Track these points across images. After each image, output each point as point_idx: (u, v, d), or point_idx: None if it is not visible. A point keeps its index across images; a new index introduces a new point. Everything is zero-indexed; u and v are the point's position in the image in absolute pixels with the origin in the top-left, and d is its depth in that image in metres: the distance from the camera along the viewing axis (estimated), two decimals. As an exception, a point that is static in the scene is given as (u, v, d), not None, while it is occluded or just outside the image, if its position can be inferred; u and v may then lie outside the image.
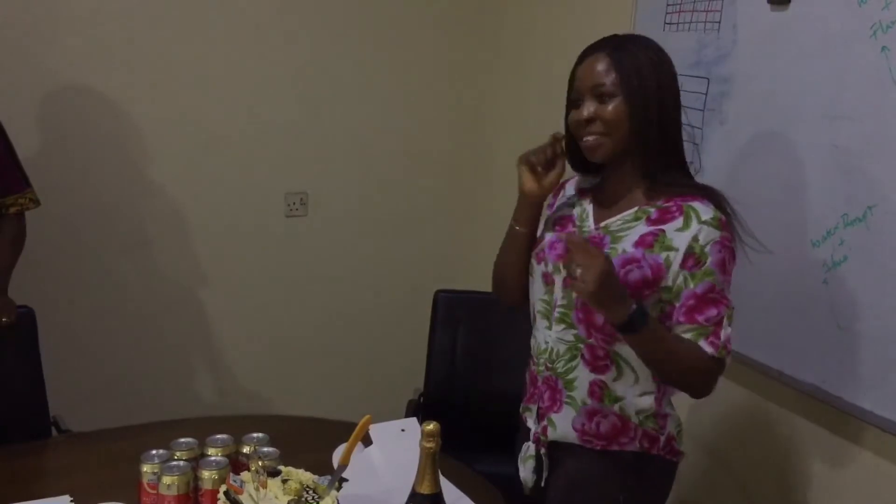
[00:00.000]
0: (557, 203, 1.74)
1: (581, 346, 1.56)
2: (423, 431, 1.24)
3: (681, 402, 1.85)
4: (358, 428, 1.44)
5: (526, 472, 1.68)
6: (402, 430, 1.83)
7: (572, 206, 1.67)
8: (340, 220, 3.16)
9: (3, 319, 2.00)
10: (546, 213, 1.75)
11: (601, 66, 1.50)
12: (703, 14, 2.12)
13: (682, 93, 2.06)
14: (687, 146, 2.13)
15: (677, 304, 1.49)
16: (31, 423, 2.12)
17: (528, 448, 1.68)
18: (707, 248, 1.46)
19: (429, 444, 1.24)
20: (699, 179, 2.11)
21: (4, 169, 2.19)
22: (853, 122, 1.74)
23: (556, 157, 1.61)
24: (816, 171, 1.82)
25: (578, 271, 1.37)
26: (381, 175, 3.21)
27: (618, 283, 1.41)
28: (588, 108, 1.51)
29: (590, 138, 1.52)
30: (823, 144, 1.80)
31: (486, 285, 1.86)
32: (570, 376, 1.58)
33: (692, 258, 1.47)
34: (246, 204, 3.00)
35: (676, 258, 1.47)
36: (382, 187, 3.22)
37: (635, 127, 1.49)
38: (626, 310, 1.40)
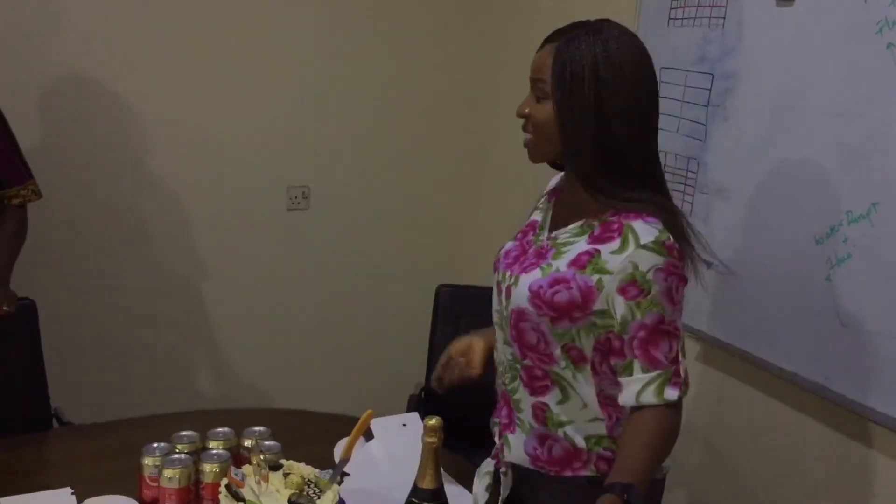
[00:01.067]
0: (535, 207, 1.64)
1: (518, 366, 1.47)
2: (425, 426, 1.24)
3: (684, 404, 1.85)
4: (360, 423, 1.44)
5: (479, 487, 1.58)
6: (404, 425, 1.83)
7: (542, 209, 1.58)
8: (342, 214, 3.16)
9: (4, 309, 1.99)
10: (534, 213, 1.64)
11: (546, 60, 1.38)
12: (707, 9, 2.12)
13: (686, 88, 2.02)
14: (691, 143, 2.15)
15: (625, 337, 1.33)
16: (32, 415, 2.12)
17: (488, 464, 1.60)
18: (649, 276, 1.31)
19: (431, 440, 1.24)
20: (701, 175, 2.13)
21: (6, 160, 2.19)
22: (858, 119, 1.73)
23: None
24: (821, 167, 1.82)
25: None
26: (384, 169, 3.20)
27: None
28: (524, 105, 1.43)
29: (524, 136, 1.44)
30: (828, 141, 1.80)
31: (487, 280, 1.86)
32: (516, 396, 1.49)
33: (634, 286, 1.32)
34: (248, 197, 2.99)
35: (611, 282, 1.33)
36: (384, 181, 3.21)
37: (564, 137, 1.37)
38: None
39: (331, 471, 1.42)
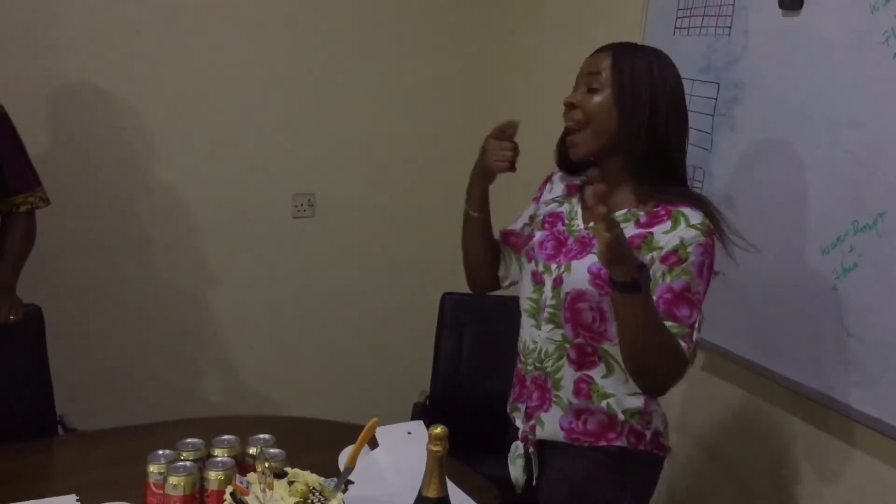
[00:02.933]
0: (544, 198, 1.75)
1: (567, 346, 1.57)
2: (430, 435, 1.24)
3: (685, 407, 1.85)
4: (365, 431, 1.43)
5: (516, 471, 1.69)
6: (409, 434, 1.83)
7: (561, 203, 1.69)
8: (348, 222, 3.16)
9: (11, 317, 2.00)
10: (532, 206, 1.78)
11: (603, 62, 1.53)
12: (713, 18, 2.12)
13: (692, 97, 2.05)
14: (697, 152, 2.15)
15: (654, 297, 1.47)
16: (37, 422, 2.12)
17: (517, 447, 1.69)
18: (690, 248, 1.46)
19: (436, 448, 1.23)
20: (707, 185, 2.13)
21: (15, 167, 2.20)
22: (865, 129, 1.73)
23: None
24: (827, 177, 1.81)
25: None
26: (390, 177, 3.20)
27: (626, 245, 1.36)
28: (576, 94, 1.55)
29: (569, 123, 1.56)
30: (835, 151, 1.79)
31: (493, 289, 1.86)
32: (558, 375, 1.59)
33: (674, 255, 1.47)
34: (254, 204, 3.00)
35: (660, 255, 1.47)
36: (390, 189, 3.22)
37: (622, 125, 1.50)
38: (633, 271, 1.36)
39: (335, 479, 1.41)
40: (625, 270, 1.36)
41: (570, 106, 1.55)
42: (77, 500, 1.53)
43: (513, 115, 1.68)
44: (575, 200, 1.66)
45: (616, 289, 1.39)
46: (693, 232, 1.47)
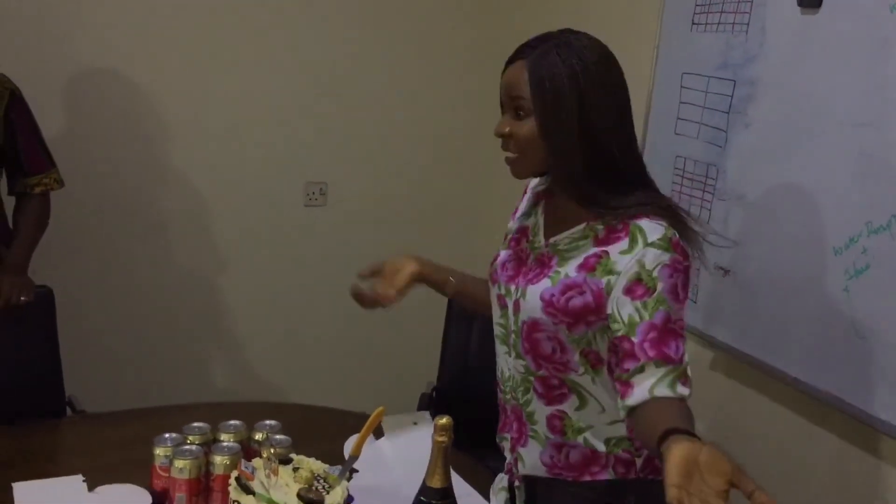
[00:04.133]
0: (521, 208, 1.63)
1: (532, 378, 1.45)
2: (435, 425, 1.24)
3: (695, 412, 1.84)
4: (371, 419, 1.44)
5: (497, 503, 1.60)
6: (414, 424, 1.83)
7: (528, 215, 1.56)
8: (359, 212, 3.17)
9: (22, 298, 2.02)
10: (510, 224, 1.65)
11: (521, 78, 1.36)
12: (731, 15, 2.10)
13: (707, 94, 2.02)
14: (711, 149, 2.14)
15: (635, 340, 1.30)
16: (46, 402, 2.14)
17: (501, 479, 1.61)
18: (655, 273, 1.30)
19: (441, 438, 1.23)
20: (721, 182, 2.12)
21: (31, 148, 2.21)
22: (880, 130, 1.71)
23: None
24: (841, 177, 1.80)
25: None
26: (402, 168, 3.20)
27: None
28: (504, 124, 1.40)
29: (507, 154, 1.42)
30: (850, 151, 1.78)
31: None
32: (529, 409, 1.48)
33: (640, 286, 1.31)
34: (266, 192, 3.01)
35: (618, 283, 1.33)
36: (402, 180, 3.22)
37: (552, 151, 1.35)
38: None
39: (340, 467, 1.42)
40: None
41: (502, 137, 1.41)
42: (84, 481, 1.54)
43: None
44: (540, 212, 1.52)
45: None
46: (653, 252, 1.31)
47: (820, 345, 1.85)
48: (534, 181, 1.60)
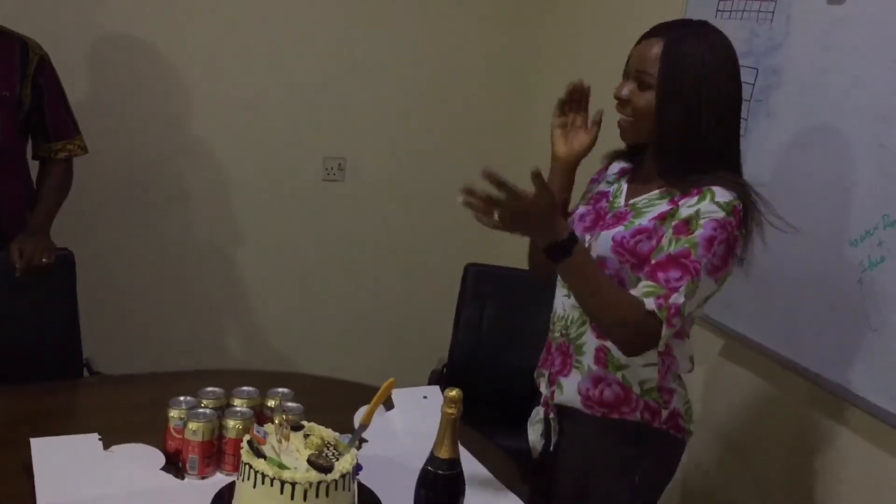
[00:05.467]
0: (601, 178, 1.76)
1: None
2: (445, 397, 1.26)
3: (701, 392, 1.85)
4: (381, 390, 1.45)
5: (534, 435, 1.74)
6: (424, 398, 1.85)
7: (611, 183, 1.71)
8: (377, 188, 3.18)
9: (44, 260, 2.04)
10: (588, 185, 1.79)
11: (653, 53, 1.49)
12: (756, 3, 2.09)
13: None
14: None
15: (651, 262, 1.48)
16: (64, 363, 2.17)
17: (538, 412, 1.74)
18: (702, 221, 1.44)
19: (450, 410, 1.25)
20: (742, 170, 2.11)
21: (56, 114, 2.24)
22: (902, 123, 1.71)
23: (593, 124, 1.65)
24: (860, 169, 1.80)
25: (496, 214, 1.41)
26: (421, 145, 3.21)
27: (545, 216, 1.41)
28: (625, 89, 1.54)
29: (620, 117, 1.56)
30: (870, 143, 1.78)
31: (516, 261, 1.87)
32: (580, 341, 1.62)
33: (685, 226, 1.46)
34: (285, 166, 3.02)
35: (674, 223, 1.48)
36: (421, 157, 3.22)
37: (659, 125, 1.50)
38: (552, 237, 1.42)
39: (350, 435, 1.44)
40: (542, 236, 1.42)
41: (620, 101, 1.55)
42: (99, 439, 1.57)
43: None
44: (623, 181, 1.67)
45: (545, 254, 1.44)
46: (713, 207, 1.44)
47: (833, 336, 1.86)
48: (616, 163, 1.73)
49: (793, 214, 1.95)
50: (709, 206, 1.45)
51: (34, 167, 2.31)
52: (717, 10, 2.22)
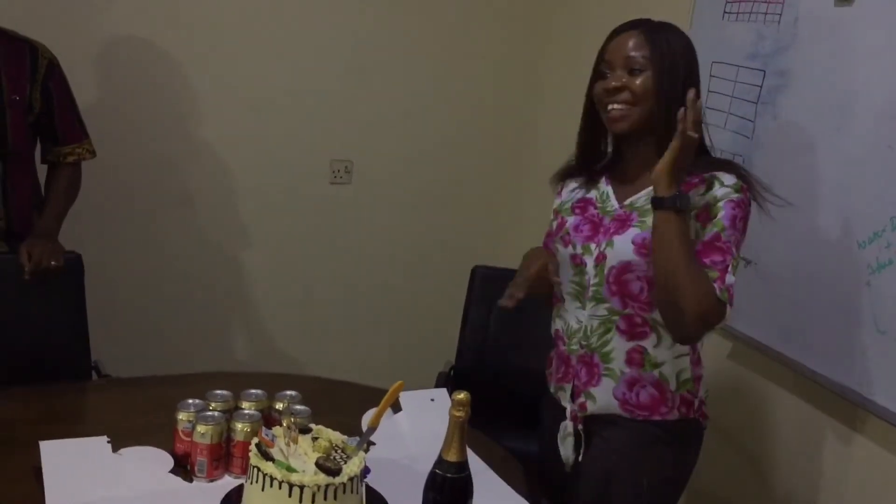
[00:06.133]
0: (565, 194, 1.76)
1: (615, 318, 1.60)
2: (453, 400, 1.26)
3: (710, 397, 1.85)
4: (389, 393, 1.45)
5: (566, 450, 1.72)
6: (432, 400, 1.85)
7: (587, 189, 1.70)
8: (384, 190, 3.18)
9: (52, 263, 2.05)
10: (555, 201, 1.78)
11: (635, 42, 1.55)
12: (764, 5, 2.09)
13: (736, 84, 2.05)
14: (738, 139, 2.14)
15: None
16: (73, 366, 2.18)
17: (566, 427, 1.71)
18: (721, 203, 1.50)
19: (458, 413, 1.25)
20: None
21: (66, 118, 2.25)
22: (910, 125, 1.71)
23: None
24: (868, 171, 1.79)
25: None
26: (427, 148, 3.21)
27: (683, 163, 1.47)
28: (618, 78, 1.55)
29: (615, 107, 1.56)
30: (877, 145, 1.77)
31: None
32: (606, 349, 1.62)
33: (706, 211, 1.51)
34: (292, 168, 3.03)
35: (693, 215, 1.52)
36: (427, 160, 3.23)
37: (661, 102, 1.53)
38: (674, 188, 1.47)
39: (358, 438, 1.44)
40: (668, 185, 1.46)
41: (615, 90, 1.55)
42: (108, 442, 1.57)
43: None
44: (603, 184, 1.68)
45: (654, 205, 1.48)
46: (724, 189, 1.51)
47: (840, 338, 1.85)
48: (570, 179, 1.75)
49: (799, 216, 1.96)
50: (721, 189, 1.51)
51: (42, 171, 2.32)
52: (725, 12, 2.22)
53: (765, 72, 2.08)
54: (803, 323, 1.95)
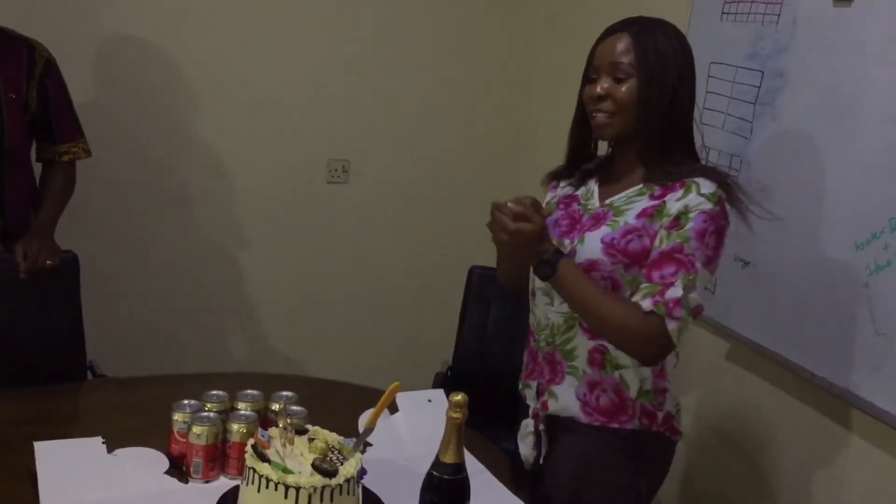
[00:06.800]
0: (558, 191, 1.75)
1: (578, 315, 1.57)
2: (450, 401, 1.25)
3: (704, 394, 1.85)
4: (386, 394, 1.45)
5: (526, 448, 1.71)
6: (429, 401, 1.85)
7: (576, 186, 1.70)
8: (381, 190, 3.18)
9: (48, 262, 2.04)
10: (549, 194, 1.78)
11: (622, 46, 1.51)
12: (762, 6, 2.09)
13: (735, 85, 2.04)
14: (736, 140, 2.14)
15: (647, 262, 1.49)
16: (68, 366, 2.17)
17: (528, 425, 1.70)
18: (692, 215, 1.46)
19: (455, 415, 1.25)
20: (745, 173, 2.11)
21: (62, 117, 2.24)
22: (909, 126, 1.70)
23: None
24: (867, 172, 1.79)
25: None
26: (424, 148, 3.21)
27: (532, 241, 1.47)
28: (602, 85, 1.53)
29: (599, 115, 1.54)
30: (877, 147, 1.77)
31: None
32: (569, 346, 1.60)
33: (676, 221, 1.47)
34: (289, 167, 3.02)
35: (665, 221, 1.49)
36: (425, 160, 3.22)
37: (644, 112, 1.50)
38: (538, 256, 1.48)
39: (354, 439, 1.43)
40: (529, 256, 1.49)
41: (599, 98, 1.53)
42: (103, 443, 1.56)
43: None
44: (592, 182, 1.67)
45: (535, 273, 1.50)
46: (699, 199, 1.46)
47: (838, 340, 1.85)
48: (561, 185, 1.74)
49: (798, 217, 1.96)
50: (696, 198, 1.47)
51: (37, 169, 2.31)
52: (723, 13, 2.21)
53: (763, 72, 2.08)
54: (801, 324, 1.95)
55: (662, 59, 1.49)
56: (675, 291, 1.43)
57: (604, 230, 1.54)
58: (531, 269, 1.62)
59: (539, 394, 1.67)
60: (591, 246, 1.54)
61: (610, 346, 1.56)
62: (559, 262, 1.48)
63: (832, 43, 1.89)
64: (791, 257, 1.98)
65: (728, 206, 1.50)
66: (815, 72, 1.94)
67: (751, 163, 2.11)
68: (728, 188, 1.50)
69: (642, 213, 1.52)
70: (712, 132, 2.21)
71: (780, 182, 2.02)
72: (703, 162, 1.63)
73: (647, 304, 1.44)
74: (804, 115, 1.96)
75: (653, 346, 1.46)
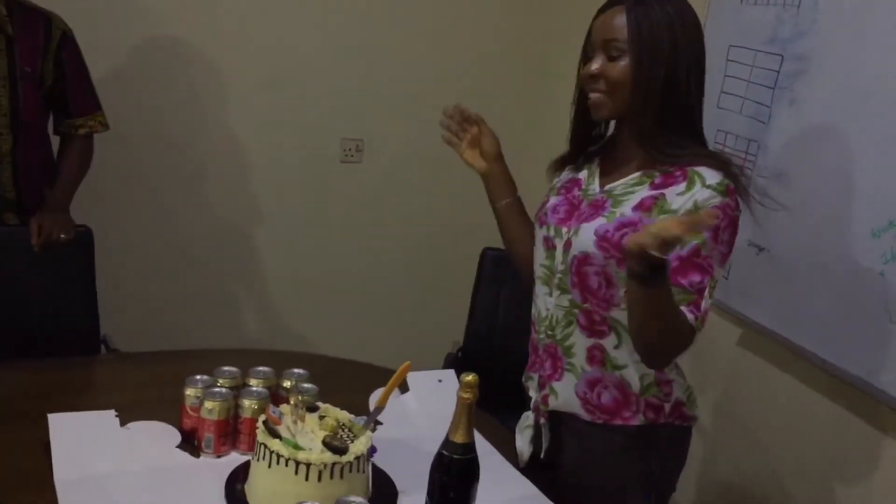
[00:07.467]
0: (563, 174, 1.68)
1: (576, 311, 1.51)
2: (461, 382, 1.25)
3: (715, 380, 1.84)
4: (397, 373, 1.45)
5: (522, 442, 1.65)
6: (440, 381, 1.85)
7: (579, 168, 1.62)
8: (394, 170, 3.17)
9: (63, 236, 2.05)
10: (554, 180, 1.71)
11: (617, 22, 1.43)
12: (784, -11, 2.06)
13: (753, 69, 2.00)
14: (753, 124, 2.12)
15: None
16: (81, 340, 2.19)
17: (527, 417, 1.66)
18: (703, 213, 1.35)
19: (466, 395, 1.25)
20: (762, 159, 2.09)
21: (78, 90, 2.24)
22: (930, 113, 1.68)
23: (467, 122, 1.67)
24: (885, 159, 1.77)
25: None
26: (438, 127, 3.18)
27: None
28: (596, 64, 1.46)
29: (593, 95, 1.48)
30: (895, 133, 1.75)
31: (535, 246, 1.85)
32: (568, 342, 1.54)
33: None
34: (303, 146, 3.02)
35: None
36: (438, 140, 3.19)
37: (637, 90, 1.42)
38: (648, 267, 1.25)
39: (365, 417, 1.44)
40: (642, 266, 1.25)
41: (592, 77, 1.47)
42: (116, 416, 1.58)
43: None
44: (594, 165, 1.59)
45: (629, 276, 1.30)
46: (708, 193, 1.38)
47: (852, 328, 1.84)
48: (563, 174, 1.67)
49: (814, 203, 1.94)
50: (703, 192, 1.39)
51: (55, 142, 2.32)
52: (743, -4, 2.19)
53: (783, 56, 2.05)
54: (814, 311, 1.94)
55: (656, 33, 1.40)
56: (707, 302, 1.37)
57: (598, 221, 1.46)
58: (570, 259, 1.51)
59: (540, 387, 1.62)
60: (584, 238, 1.47)
61: (608, 347, 1.49)
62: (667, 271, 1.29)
63: (854, 28, 1.87)
64: (806, 244, 1.96)
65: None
66: (836, 56, 1.91)
67: (768, 148, 2.09)
68: (734, 177, 1.42)
69: (640, 205, 1.43)
70: (730, 116, 2.19)
71: (797, 167, 2.00)
72: (712, 146, 1.54)
73: (688, 315, 1.36)
74: (823, 100, 1.94)
75: (677, 355, 1.42)
